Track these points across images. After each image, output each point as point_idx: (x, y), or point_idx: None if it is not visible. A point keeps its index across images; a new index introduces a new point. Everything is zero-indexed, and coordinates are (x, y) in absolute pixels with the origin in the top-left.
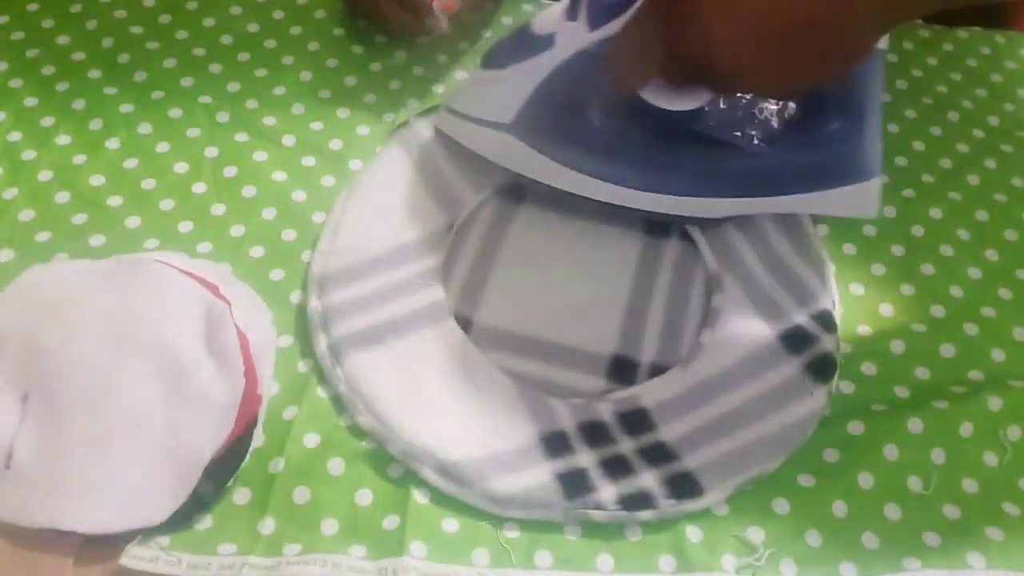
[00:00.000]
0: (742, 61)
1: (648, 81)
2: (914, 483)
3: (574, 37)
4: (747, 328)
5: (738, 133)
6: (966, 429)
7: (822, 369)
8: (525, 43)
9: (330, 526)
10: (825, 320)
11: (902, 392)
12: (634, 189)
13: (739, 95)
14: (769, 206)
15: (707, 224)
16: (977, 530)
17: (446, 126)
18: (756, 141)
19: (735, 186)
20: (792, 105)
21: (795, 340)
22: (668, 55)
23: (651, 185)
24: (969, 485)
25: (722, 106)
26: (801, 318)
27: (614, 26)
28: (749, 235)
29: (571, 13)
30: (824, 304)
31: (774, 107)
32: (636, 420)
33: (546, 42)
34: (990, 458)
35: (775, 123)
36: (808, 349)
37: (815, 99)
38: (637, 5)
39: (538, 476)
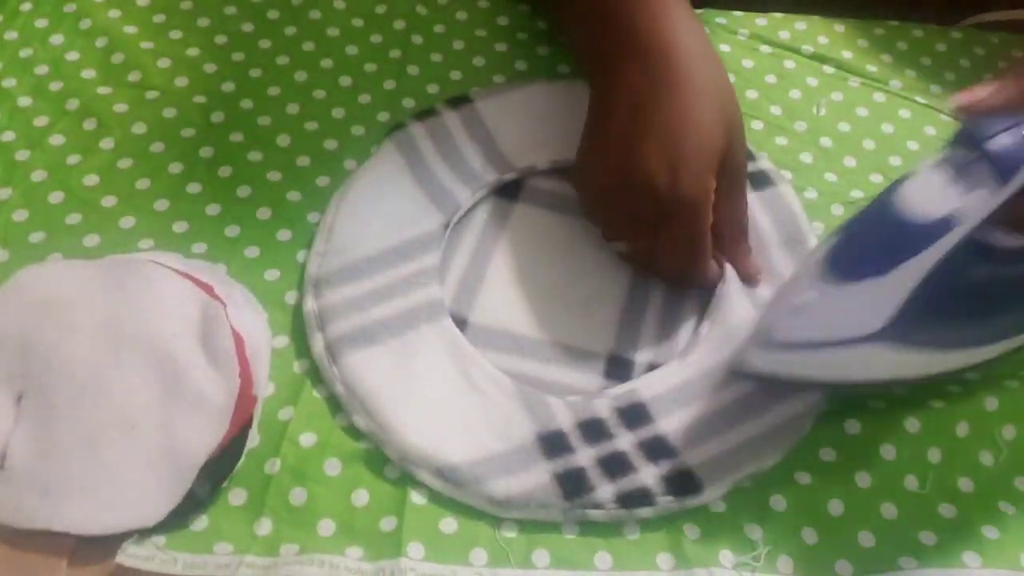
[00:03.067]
0: None
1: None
2: (910, 482)
3: (984, 204)
4: (742, 320)
5: None
6: (962, 428)
7: None
8: (907, 235)
9: (327, 527)
10: None
11: (899, 391)
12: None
13: None
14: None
15: None
16: (973, 529)
17: (781, 367)
18: None
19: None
20: None
21: None
22: None
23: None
24: (965, 484)
25: None
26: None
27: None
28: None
29: (968, 181)
30: None
31: None
32: (634, 413)
33: (943, 225)
34: (986, 457)
35: None
36: None
37: None
38: None
39: (536, 477)
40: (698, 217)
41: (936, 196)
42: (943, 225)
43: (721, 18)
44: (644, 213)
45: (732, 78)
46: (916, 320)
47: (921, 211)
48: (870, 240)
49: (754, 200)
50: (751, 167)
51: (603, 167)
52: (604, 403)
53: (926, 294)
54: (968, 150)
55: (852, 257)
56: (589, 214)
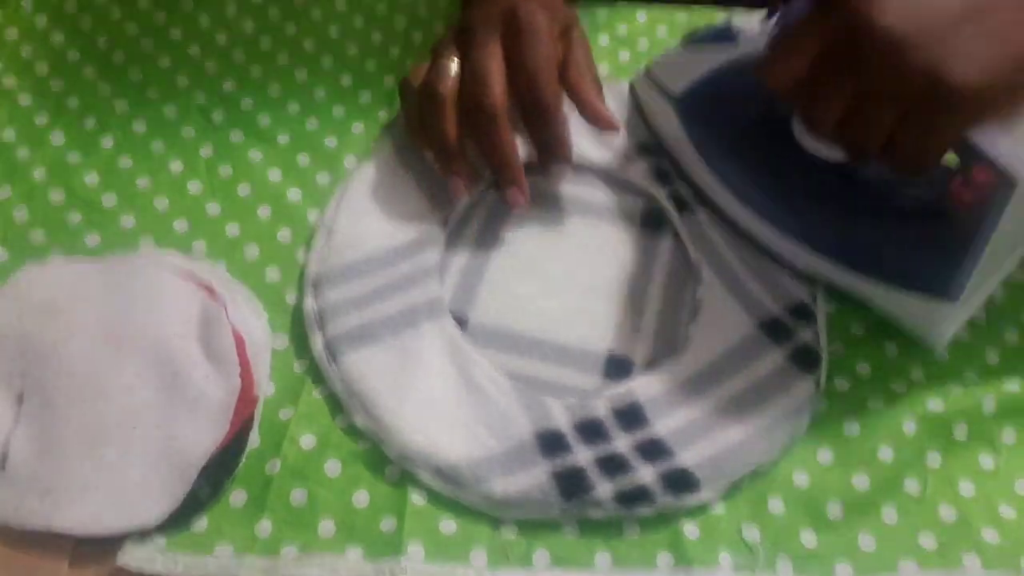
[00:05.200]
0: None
1: (790, 89)
2: (910, 484)
3: (756, 40)
4: (727, 318)
5: (863, 199)
6: (961, 430)
7: (805, 359)
8: (721, 32)
9: (327, 527)
10: (801, 312)
11: (897, 392)
12: (742, 203)
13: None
14: (846, 280)
15: (687, 215)
16: (973, 532)
17: (642, 91)
18: (873, 212)
19: (826, 245)
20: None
21: (774, 330)
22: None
23: (756, 205)
24: (965, 487)
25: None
26: (776, 310)
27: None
28: (724, 227)
29: (767, 19)
30: (799, 297)
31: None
32: (631, 415)
33: (731, 37)
34: (986, 460)
35: (923, 191)
36: (789, 340)
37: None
38: (804, 12)
39: (535, 476)
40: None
41: (755, 18)
42: (733, 36)
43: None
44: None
45: None
46: (694, 112)
47: (740, 20)
48: (712, 27)
49: None
50: None
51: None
52: (601, 404)
53: (704, 90)
54: None
55: (703, 31)
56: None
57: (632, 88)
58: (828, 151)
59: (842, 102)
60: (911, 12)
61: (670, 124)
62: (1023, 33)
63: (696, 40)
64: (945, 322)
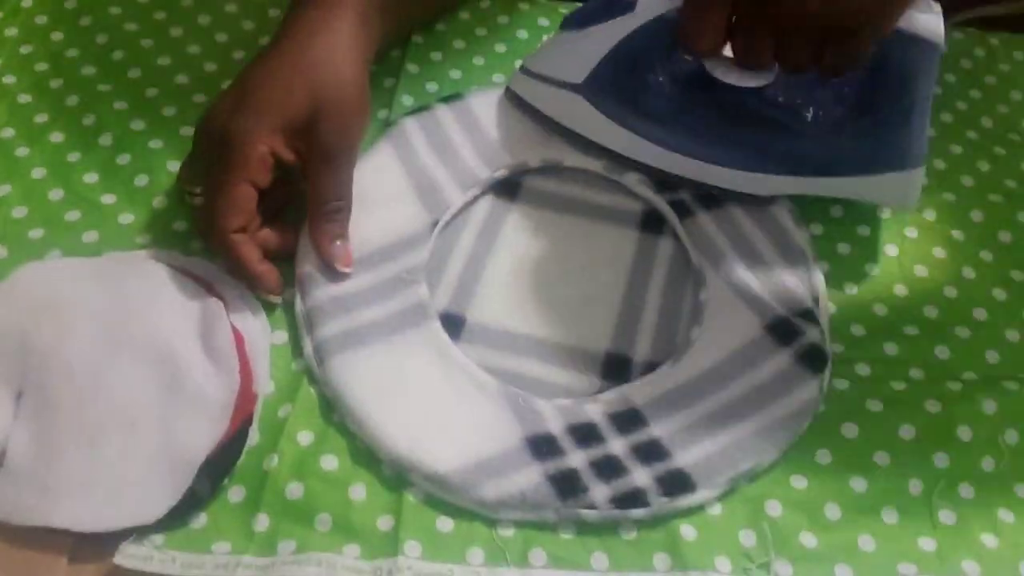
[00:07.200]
0: None
1: (719, 46)
2: (910, 486)
3: (655, 2)
4: (734, 321)
5: (802, 112)
6: (963, 432)
7: (813, 360)
8: (608, 5)
9: (324, 523)
10: (807, 316)
11: (897, 394)
12: (692, 159)
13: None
14: (814, 187)
15: (688, 220)
16: (973, 537)
17: (519, 87)
18: (813, 122)
19: (786, 165)
20: (848, 91)
21: (782, 331)
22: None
23: (708, 157)
24: (966, 490)
25: (783, 86)
26: (783, 311)
27: None
28: (728, 231)
29: None
30: (804, 302)
31: (834, 90)
32: (627, 418)
33: (628, 5)
34: (987, 463)
35: (833, 107)
36: (796, 340)
37: (869, 86)
38: None
39: (528, 478)
40: None
41: None
42: (627, 5)
43: None
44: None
45: None
46: (605, 88)
47: None
48: (593, 4)
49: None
50: None
51: None
52: (595, 408)
53: (613, 64)
54: None
55: (575, 13)
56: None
57: (510, 92)
58: (753, 78)
59: (767, 42)
60: None
61: (577, 111)
62: None
63: (584, 20)
64: (914, 185)
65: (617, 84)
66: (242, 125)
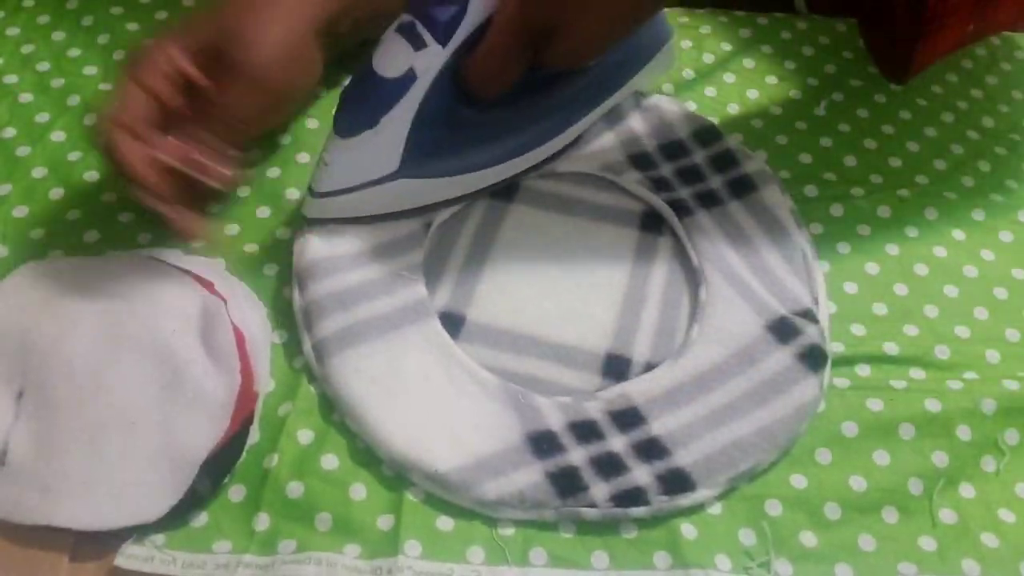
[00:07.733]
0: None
1: (512, 83)
2: (910, 486)
3: (432, 61)
4: (734, 319)
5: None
6: (963, 432)
7: (813, 359)
8: (382, 92)
9: (324, 521)
10: (807, 315)
11: (897, 393)
12: (530, 151)
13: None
14: (613, 103)
15: (687, 219)
16: (973, 537)
17: (324, 211)
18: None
19: (585, 104)
20: None
21: (782, 330)
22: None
23: (539, 140)
24: (966, 490)
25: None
26: (783, 310)
27: (461, 37)
28: (728, 230)
29: (415, 42)
30: (804, 302)
31: None
32: (627, 416)
33: (407, 80)
34: (988, 462)
35: None
36: (796, 339)
37: None
38: (497, 23)
39: (528, 476)
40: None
41: (392, 58)
42: (406, 80)
43: (723, 17)
44: None
45: (732, 77)
46: (424, 155)
47: (386, 70)
48: (359, 100)
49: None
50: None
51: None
52: (595, 406)
53: (424, 134)
54: (411, 16)
55: (349, 116)
56: None
57: (312, 220)
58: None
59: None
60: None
61: (406, 192)
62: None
63: (364, 116)
64: (671, 51)
65: (432, 145)
66: (159, 40)
